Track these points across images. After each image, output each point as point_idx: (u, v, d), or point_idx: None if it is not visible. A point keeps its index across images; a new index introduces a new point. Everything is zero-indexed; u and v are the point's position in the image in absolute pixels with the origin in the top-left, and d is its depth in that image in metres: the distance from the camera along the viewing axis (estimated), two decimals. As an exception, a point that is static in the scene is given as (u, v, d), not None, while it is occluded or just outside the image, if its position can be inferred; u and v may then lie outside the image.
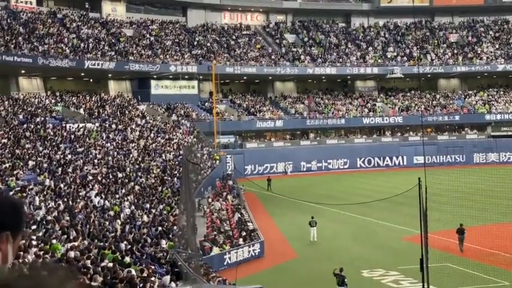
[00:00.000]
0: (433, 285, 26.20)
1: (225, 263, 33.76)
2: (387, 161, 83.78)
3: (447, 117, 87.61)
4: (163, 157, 54.10)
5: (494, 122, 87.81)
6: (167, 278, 20.98)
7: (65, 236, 23.52)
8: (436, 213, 44.27)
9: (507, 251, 33.10)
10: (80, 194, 35.45)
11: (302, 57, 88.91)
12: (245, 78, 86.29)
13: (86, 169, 42.57)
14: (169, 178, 47.09)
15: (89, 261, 19.14)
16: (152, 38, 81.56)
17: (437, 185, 59.98)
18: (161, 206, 37.71)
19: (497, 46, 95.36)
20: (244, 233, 37.87)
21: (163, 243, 28.54)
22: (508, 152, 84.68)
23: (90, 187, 37.64)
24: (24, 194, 31.26)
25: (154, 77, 76.71)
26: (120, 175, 43.76)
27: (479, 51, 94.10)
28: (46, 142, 46.87)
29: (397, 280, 29.02)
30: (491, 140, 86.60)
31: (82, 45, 70.30)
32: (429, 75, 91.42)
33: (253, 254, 35.96)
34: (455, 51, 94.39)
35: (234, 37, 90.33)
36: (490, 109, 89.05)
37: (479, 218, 42.35)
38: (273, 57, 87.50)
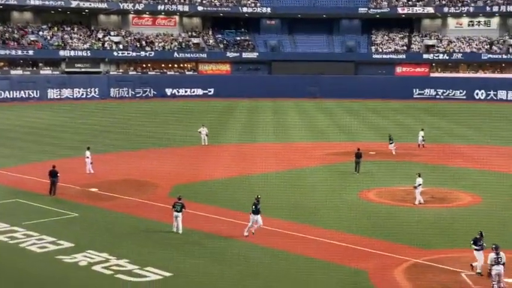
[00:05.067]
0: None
1: None
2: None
3: (21, 51, 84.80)
4: None
5: (68, 58, 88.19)
6: None
7: None
8: (5, 150, 42.69)
9: (77, 183, 33.48)
10: None
11: None
12: None
13: None
14: None
15: None
16: None
17: (8, 121, 58.03)
18: None
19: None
20: None
21: None
22: (81, 88, 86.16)
23: None
24: None
25: None
26: None
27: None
28: None
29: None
30: (65, 75, 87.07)
31: None
32: (1, 6, 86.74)
33: None
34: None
35: None
36: (65, 45, 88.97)
37: (48, 153, 42.03)
38: None
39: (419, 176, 29.88)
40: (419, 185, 29.62)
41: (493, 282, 18.62)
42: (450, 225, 25.85)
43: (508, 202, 28.55)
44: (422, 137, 46.70)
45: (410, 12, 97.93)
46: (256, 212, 24.18)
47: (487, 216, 26.65)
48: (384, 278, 20.15)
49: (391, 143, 43.62)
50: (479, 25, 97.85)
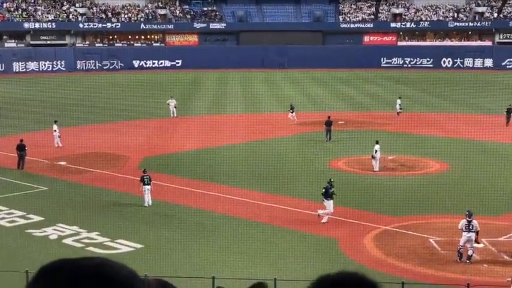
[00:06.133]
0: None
1: None
2: None
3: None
4: None
5: (33, 31, 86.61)
6: None
7: None
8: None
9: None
10: None
11: None
12: None
13: None
14: None
15: None
16: None
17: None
18: None
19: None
20: None
21: None
22: (47, 61, 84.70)
23: None
24: None
25: None
26: None
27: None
28: None
29: None
30: (31, 48, 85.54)
31: None
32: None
33: None
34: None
35: None
36: (29, 17, 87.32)
37: (15, 127, 41.41)
38: None
39: (376, 142, 30.22)
40: (376, 151, 29.97)
41: (459, 246, 18.95)
42: (419, 193, 26.20)
43: (476, 169, 29.02)
44: (400, 105, 46.61)
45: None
46: (328, 196, 22.80)
47: (455, 184, 27.08)
48: (354, 245, 20.42)
49: (291, 112, 44.18)
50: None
